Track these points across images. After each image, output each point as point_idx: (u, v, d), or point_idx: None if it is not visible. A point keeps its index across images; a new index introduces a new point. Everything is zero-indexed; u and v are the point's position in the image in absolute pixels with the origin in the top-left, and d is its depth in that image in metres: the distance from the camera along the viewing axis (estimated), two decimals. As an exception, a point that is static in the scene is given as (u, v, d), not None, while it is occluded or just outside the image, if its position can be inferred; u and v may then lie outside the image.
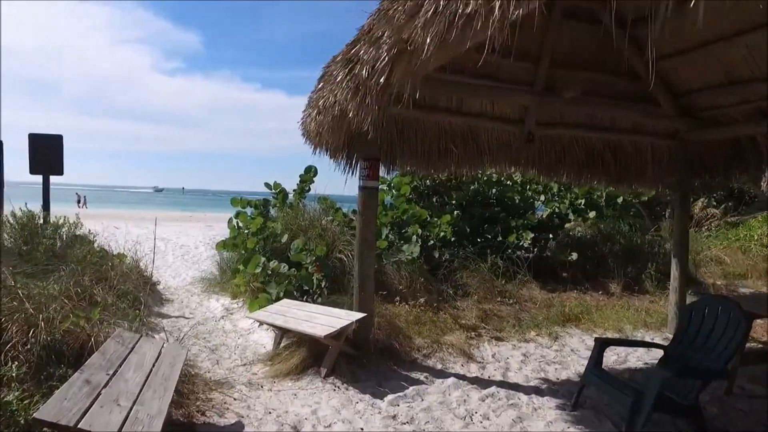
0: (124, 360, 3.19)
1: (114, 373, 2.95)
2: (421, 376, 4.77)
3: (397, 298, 6.16)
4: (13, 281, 4.30)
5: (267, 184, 8.07)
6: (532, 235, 8.80)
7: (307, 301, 5.93)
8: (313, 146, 5.06)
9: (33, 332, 3.48)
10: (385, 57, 3.23)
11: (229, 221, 8.01)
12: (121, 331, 3.64)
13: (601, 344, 4.11)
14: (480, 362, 5.29)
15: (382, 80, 3.31)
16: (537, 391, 4.58)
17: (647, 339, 6.24)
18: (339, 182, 5.09)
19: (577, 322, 6.77)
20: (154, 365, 3.26)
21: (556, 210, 9.20)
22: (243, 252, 7.35)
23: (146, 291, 8.08)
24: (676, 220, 6.64)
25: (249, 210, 8.10)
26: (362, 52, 3.54)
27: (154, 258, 14.17)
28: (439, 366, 5.10)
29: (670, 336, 5.26)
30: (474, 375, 4.94)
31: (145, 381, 2.98)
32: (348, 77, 3.74)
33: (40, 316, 3.63)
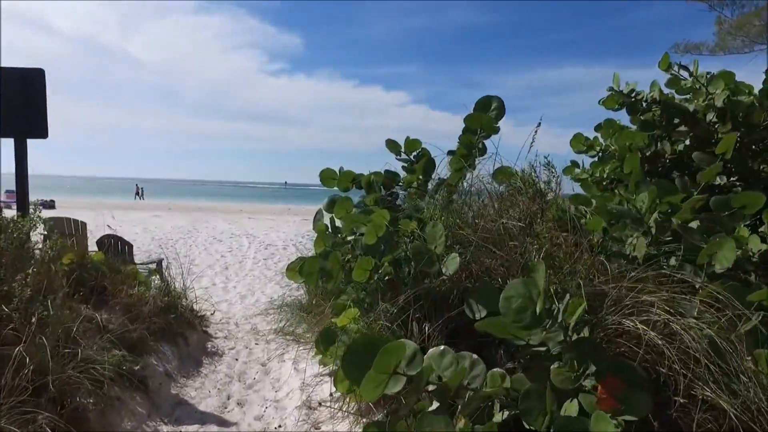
0: None
1: None
2: None
3: None
4: None
5: (391, 143, 3.92)
6: None
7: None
8: None
9: None
10: None
11: (316, 217, 4.00)
12: None
13: None
14: None
15: None
16: None
17: None
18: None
19: None
20: None
21: None
22: (342, 285, 3.31)
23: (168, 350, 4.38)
24: None
25: (355, 196, 4.01)
26: None
27: (228, 264, 10.90)
28: None
29: None
30: None
31: None
32: None
33: None
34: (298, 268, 3.09)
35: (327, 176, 4.08)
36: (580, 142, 5.58)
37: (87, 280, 4.45)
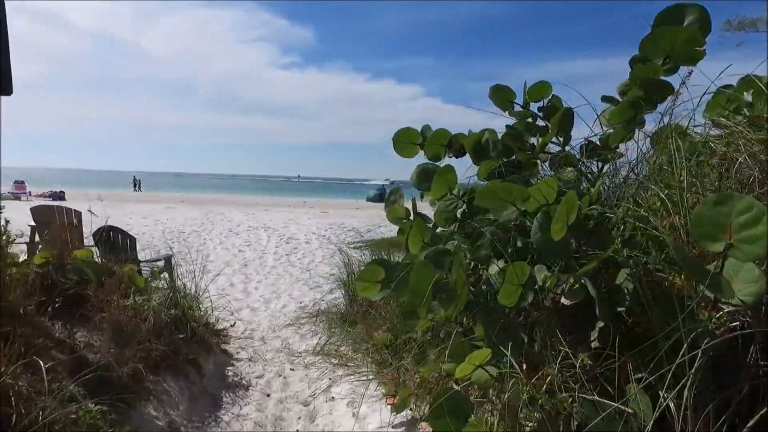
0: None
1: None
2: None
3: None
4: None
5: (499, 90, 2.58)
6: None
7: None
8: None
9: None
10: None
11: (390, 198, 2.71)
12: None
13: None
14: None
15: None
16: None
17: None
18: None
19: None
20: None
21: None
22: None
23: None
24: None
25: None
26: None
27: (247, 261, 9.63)
28: None
29: None
30: None
31: None
32: None
33: None
34: (397, 283, 1.77)
35: (405, 139, 2.77)
36: (719, 105, 4.18)
37: (66, 287, 3.23)
